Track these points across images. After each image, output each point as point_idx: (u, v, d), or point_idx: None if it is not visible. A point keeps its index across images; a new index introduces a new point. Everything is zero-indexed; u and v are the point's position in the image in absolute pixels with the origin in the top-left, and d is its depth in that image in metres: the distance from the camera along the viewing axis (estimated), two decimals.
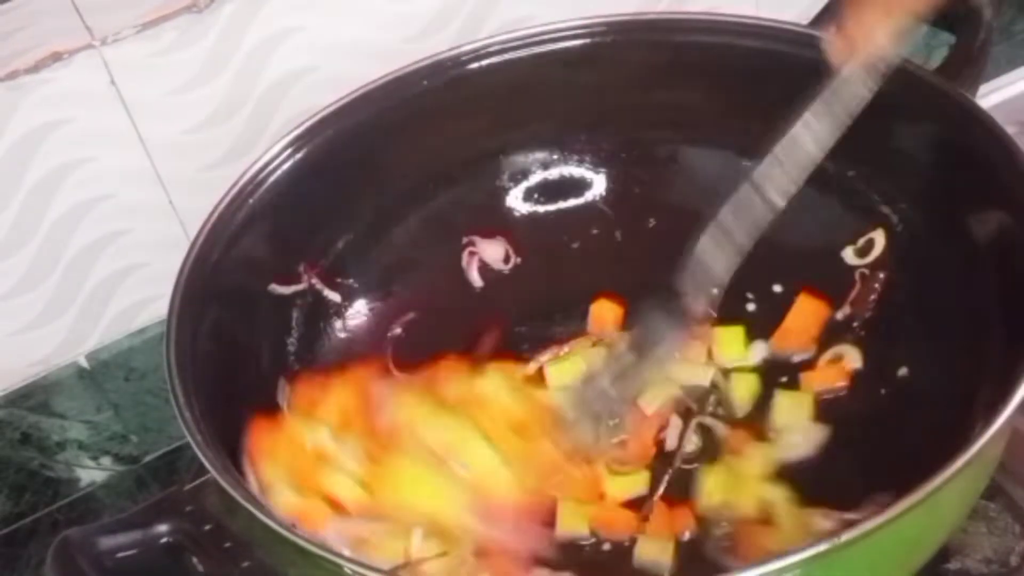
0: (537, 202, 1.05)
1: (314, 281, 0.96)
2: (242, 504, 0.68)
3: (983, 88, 1.11)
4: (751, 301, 0.97)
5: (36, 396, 1.01)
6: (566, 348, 0.96)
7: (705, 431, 0.89)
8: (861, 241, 0.95)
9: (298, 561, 0.68)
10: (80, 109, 0.91)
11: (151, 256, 1.00)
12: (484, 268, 1.03)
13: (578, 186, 1.05)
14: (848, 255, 0.96)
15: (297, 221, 0.94)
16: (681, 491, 0.86)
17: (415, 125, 0.97)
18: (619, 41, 0.98)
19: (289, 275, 0.94)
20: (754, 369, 0.93)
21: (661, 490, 0.86)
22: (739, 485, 0.84)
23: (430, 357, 0.91)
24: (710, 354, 0.94)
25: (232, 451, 0.77)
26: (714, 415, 0.91)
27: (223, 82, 0.95)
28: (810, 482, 0.83)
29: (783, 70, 0.94)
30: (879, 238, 0.94)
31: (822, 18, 0.97)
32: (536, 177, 1.05)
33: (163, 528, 0.72)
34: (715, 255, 0.81)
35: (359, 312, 0.99)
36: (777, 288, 0.98)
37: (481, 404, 0.85)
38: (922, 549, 0.73)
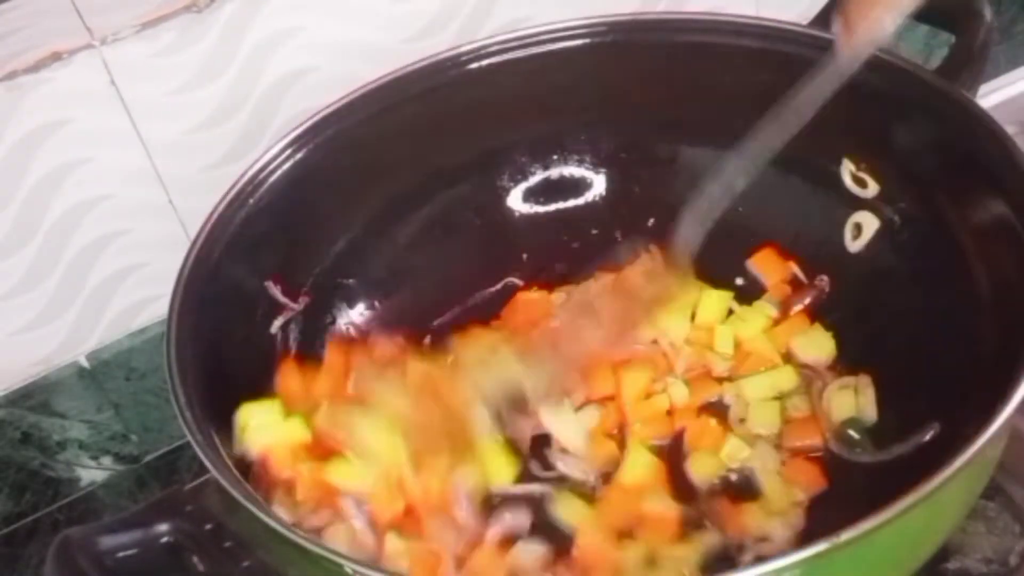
0: (537, 202, 1.06)
1: (314, 280, 0.96)
2: (243, 503, 0.68)
3: (983, 88, 1.11)
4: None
5: (37, 396, 1.01)
6: None
7: None
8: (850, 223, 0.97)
9: (298, 560, 0.68)
10: (80, 109, 0.91)
11: (151, 256, 1.00)
12: None
13: (578, 186, 1.06)
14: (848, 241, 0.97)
15: (297, 221, 0.94)
16: None
17: (415, 125, 0.97)
18: (619, 41, 0.98)
19: (290, 274, 0.94)
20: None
21: None
22: None
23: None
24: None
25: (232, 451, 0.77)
26: None
27: (223, 82, 0.95)
28: None
29: (783, 70, 0.94)
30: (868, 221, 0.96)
31: (822, 18, 0.97)
32: (536, 177, 1.05)
33: (163, 527, 0.72)
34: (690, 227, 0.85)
35: (359, 311, 1.00)
36: None
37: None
38: (922, 548, 0.73)
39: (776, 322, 0.96)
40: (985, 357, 0.80)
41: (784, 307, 0.97)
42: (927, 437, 0.82)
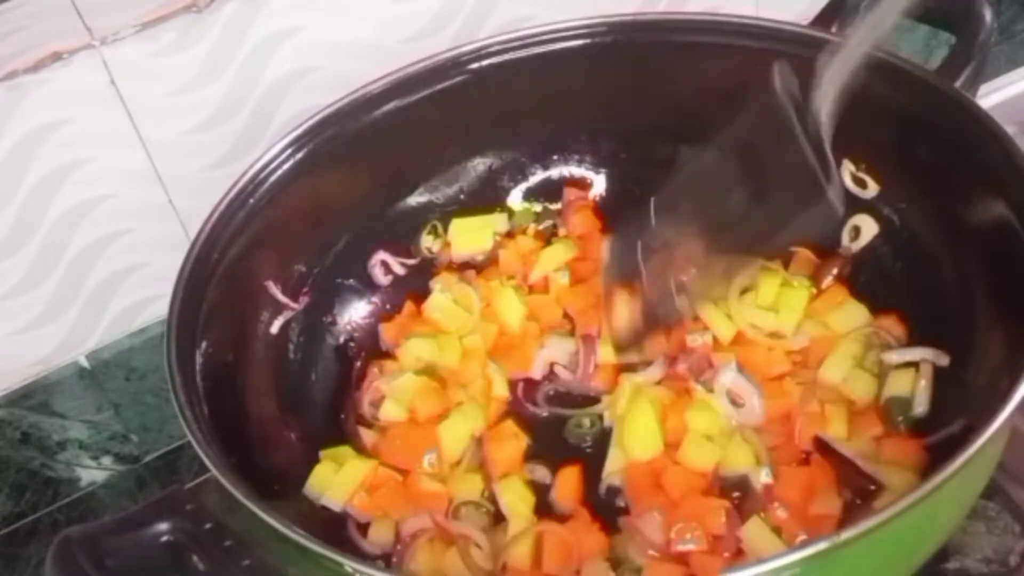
0: (537, 202, 1.06)
1: (314, 280, 0.96)
2: (243, 503, 0.68)
3: (983, 88, 1.11)
4: None
5: (37, 396, 1.01)
6: None
7: None
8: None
9: (298, 559, 0.68)
10: (80, 109, 0.91)
11: (151, 256, 1.00)
12: None
13: (578, 186, 1.06)
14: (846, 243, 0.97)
15: (297, 221, 0.94)
16: None
17: (415, 125, 0.97)
18: (619, 41, 0.98)
19: (290, 274, 0.94)
20: None
21: None
22: None
23: None
24: None
25: (232, 450, 0.77)
26: None
27: (223, 82, 0.95)
28: None
29: None
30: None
31: (822, 18, 0.97)
32: (536, 177, 1.05)
33: (163, 527, 0.72)
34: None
35: (359, 310, 1.00)
36: None
37: None
38: (922, 548, 0.73)
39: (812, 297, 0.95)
40: (985, 357, 0.80)
41: (815, 280, 0.96)
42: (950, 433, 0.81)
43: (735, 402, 0.88)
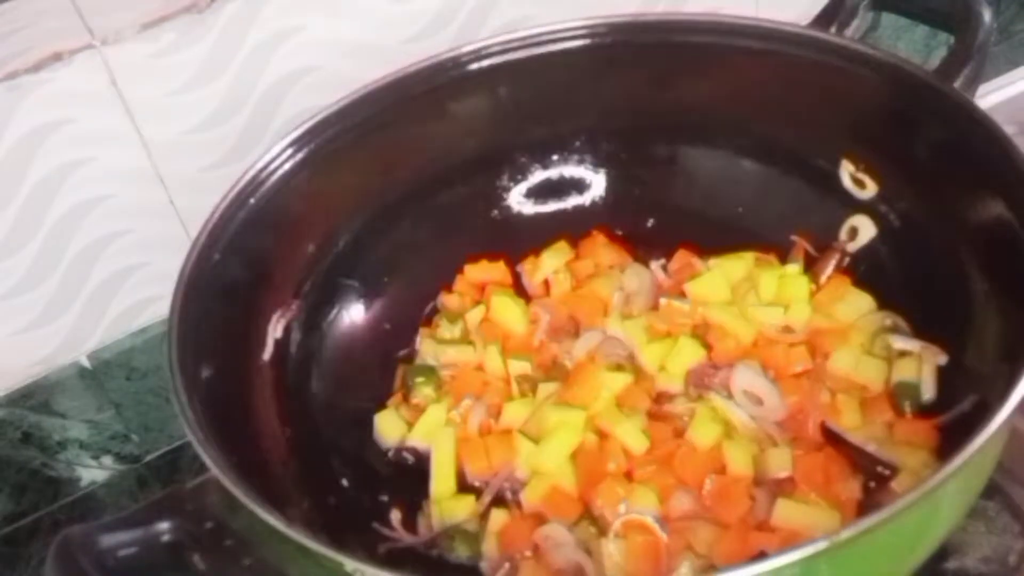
0: (537, 202, 1.06)
1: (314, 280, 0.96)
2: (243, 502, 0.68)
3: (983, 88, 1.11)
4: None
5: (37, 395, 1.01)
6: None
7: None
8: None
9: (299, 559, 0.68)
10: (80, 109, 0.91)
11: (152, 256, 1.00)
12: None
13: (578, 186, 1.06)
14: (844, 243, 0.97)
15: (297, 221, 0.94)
16: None
17: (415, 125, 0.97)
18: (619, 41, 0.98)
19: (291, 274, 0.94)
20: None
21: None
22: None
23: None
24: None
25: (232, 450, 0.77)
26: None
27: (223, 82, 0.95)
28: None
29: (783, 70, 0.94)
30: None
31: (822, 18, 0.97)
32: (536, 177, 1.05)
33: (164, 526, 0.72)
34: None
35: (358, 310, 1.00)
36: None
37: None
38: (921, 547, 0.73)
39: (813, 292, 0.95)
40: (985, 356, 0.80)
41: (815, 275, 0.97)
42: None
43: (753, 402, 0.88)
